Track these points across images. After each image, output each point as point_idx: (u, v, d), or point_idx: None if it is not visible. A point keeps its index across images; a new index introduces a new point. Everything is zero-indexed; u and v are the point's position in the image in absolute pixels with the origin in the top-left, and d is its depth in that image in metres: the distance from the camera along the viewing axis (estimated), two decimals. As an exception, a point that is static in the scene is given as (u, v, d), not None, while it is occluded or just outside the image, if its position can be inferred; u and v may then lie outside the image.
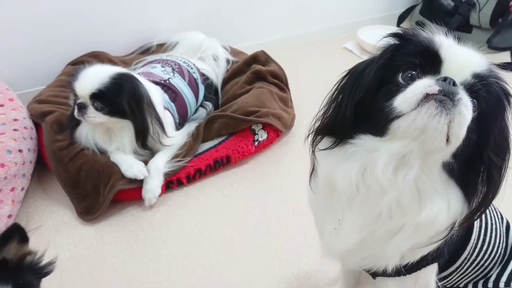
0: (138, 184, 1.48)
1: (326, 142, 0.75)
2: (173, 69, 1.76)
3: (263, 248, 1.36)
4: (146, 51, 2.10)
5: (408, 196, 0.68)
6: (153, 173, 1.48)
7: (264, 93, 1.78)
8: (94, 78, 1.38)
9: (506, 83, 0.68)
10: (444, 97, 0.62)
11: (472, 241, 0.87)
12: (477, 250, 0.88)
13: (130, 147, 1.50)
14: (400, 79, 0.68)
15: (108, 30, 2.06)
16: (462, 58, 0.67)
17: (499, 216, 0.95)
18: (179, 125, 1.69)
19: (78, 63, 1.89)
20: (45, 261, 0.78)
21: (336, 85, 0.76)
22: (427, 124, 0.62)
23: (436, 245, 0.76)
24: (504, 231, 0.95)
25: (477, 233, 0.88)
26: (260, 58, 1.94)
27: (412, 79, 0.66)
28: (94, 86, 1.36)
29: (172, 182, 1.55)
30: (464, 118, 0.62)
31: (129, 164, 1.46)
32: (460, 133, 0.63)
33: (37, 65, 1.95)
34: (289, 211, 1.50)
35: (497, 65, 0.70)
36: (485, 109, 0.66)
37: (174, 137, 1.58)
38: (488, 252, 0.90)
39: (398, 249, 0.74)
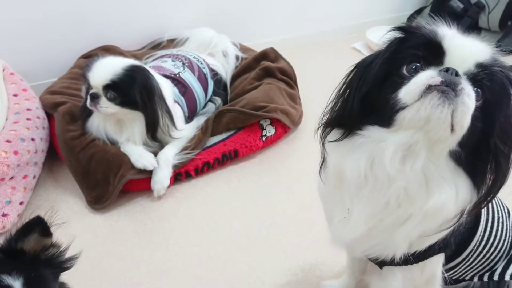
0: (147, 174, 1.50)
1: (335, 134, 0.76)
2: (183, 64, 1.79)
3: (269, 241, 1.38)
4: (156, 46, 2.13)
5: (416, 184, 0.70)
6: (162, 164, 1.50)
7: (273, 89, 1.80)
8: (107, 69, 1.40)
9: (510, 71, 0.69)
10: (447, 88, 0.63)
11: (478, 233, 0.88)
12: (483, 242, 0.89)
13: (140, 139, 1.52)
14: (404, 71, 0.69)
15: (120, 25, 2.09)
16: (464, 49, 0.69)
17: (506, 211, 0.96)
18: (188, 119, 1.72)
19: (90, 57, 1.93)
20: (67, 255, 0.78)
21: (344, 79, 0.78)
22: (431, 114, 0.64)
23: (444, 234, 0.78)
24: (511, 225, 0.95)
25: (483, 226, 0.89)
26: (269, 55, 1.96)
27: (416, 71, 0.68)
28: (108, 76, 1.39)
29: (180, 174, 1.57)
30: (467, 107, 0.64)
31: (139, 154, 1.48)
32: (464, 122, 0.64)
33: (50, 58, 1.99)
34: (295, 206, 1.51)
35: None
36: (489, 97, 0.67)
37: (183, 130, 1.61)
38: (494, 245, 0.90)
39: (406, 237, 0.75)
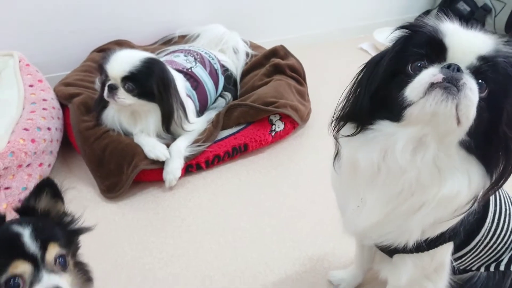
0: (159, 165, 1.53)
1: (348, 128, 0.80)
2: (195, 59, 1.82)
3: (278, 231, 1.41)
4: (168, 41, 2.16)
5: (427, 174, 0.73)
6: (174, 155, 1.54)
7: (282, 86, 1.83)
8: (126, 61, 1.44)
9: None
10: (449, 84, 0.67)
11: (486, 224, 0.91)
12: (491, 233, 0.92)
13: (154, 130, 1.56)
14: (409, 69, 0.73)
15: (132, 20, 2.13)
16: (466, 44, 0.71)
17: (513, 204, 0.99)
18: (199, 113, 1.75)
19: (103, 50, 1.97)
20: (81, 225, 0.84)
21: (355, 78, 0.81)
22: (436, 110, 0.67)
23: (455, 222, 0.81)
24: (518, 218, 0.98)
25: (491, 217, 0.92)
26: (279, 52, 2.00)
27: (420, 69, 0.71)
28: (126, 68, 1.43)
29: (191, 166, 1.60)
30: (470, 100, 0.67)
31: (152, 145, 1.51)
32: (469, 114, 0.68)
33: (64, 51, 2.03)
34: (303, 199, 1.54)
35: None
36: (494, 88, 0.70)
37: (195, 123, 1.64)
38: (502, 236, 0.93)
39: (420, 223, 0.78)
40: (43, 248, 0.70)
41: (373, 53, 2.59)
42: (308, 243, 1.36)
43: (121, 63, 1.43)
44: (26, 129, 1.44)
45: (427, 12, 2.83)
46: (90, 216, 1.40)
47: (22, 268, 0.67)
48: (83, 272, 0.83)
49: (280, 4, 2.45)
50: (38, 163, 1.47)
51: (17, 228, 0.70)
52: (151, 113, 1.53)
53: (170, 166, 1.53)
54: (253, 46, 2.18)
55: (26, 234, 0.69)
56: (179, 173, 1.54)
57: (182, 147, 1.56)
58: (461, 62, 0.70)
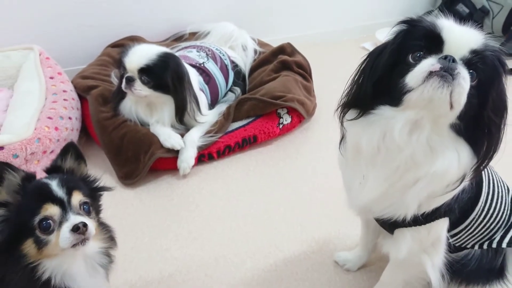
0: (174, 154, 1.62)
1: (352, 113, 0.89)
2: (207, 54, 1.91)
3: (286, 215, 1.50)
4: (179, 38, 2.26)
5: (421, 152, 0.82)
6: (188, 145, 1.62)
7: (290, 81, 1.92)
8: (143, 54, 1.53)
9: (500, 54, 0.81)
10: (445, 73, 0.76)
11: (480, 204, 1.00)
12: (484, 212, 1.01)
13: (169, 121, 1.64)
14: (410, 59, 0.82)
15: (145, 17, 2.22)
16: (460, 38, 0.81)
17: (506, 188, 1.08)
18: (211, 106, 1.84)
19: (118, 46, 2.06)
20: (102, 184, 0.93)
21: (358, 67, 0.91)
22: (433, 95, 0.77)
23: (449, 198, 0.90)
24: (510, 200, 1.07)
25: (484, 197, 1.01)
26: (286, 49, 2.09)
27: (419, 59, 0.81)
28: (143, 61, 1.52)
29: (204, 156, 1.69)
30: (462, 88, 0.76)
31: (167, 135, 1.60)
32: (461, 100, 0.77)
33: (80, 46, 2.12)
34: (309, 187, 1.63)
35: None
36: (483, 77, 0.80)
37: (207, 115, 1.73)
38: (494, 215, 1.02)
39: (416, 197, 0.87)
40: (69, 194, 0.80)
41: (375, 52, 2.69)
42: (314, 227, 1.45)
43: (139, 57, 1.52)
44: (50, 118, 1.53)
45: (427, 13, 2.92)
46: (109, 201, 1.51)
47: (52, 210, 0.77)
48: (106, 231, 0.92)
49: (286, 4, 2.55)
50: (60, 150, 1.56)
51: (46, 180, 0.81)
52: (166, 105, 1.62)
53: (184, 155, 1.61)
54: (261, 43, 2.27)
55: (54, 183, 0.80)
56: (192, 161, 1.62)
57: (195, 137, 1.65)
58: (456, 54, 0.79)
